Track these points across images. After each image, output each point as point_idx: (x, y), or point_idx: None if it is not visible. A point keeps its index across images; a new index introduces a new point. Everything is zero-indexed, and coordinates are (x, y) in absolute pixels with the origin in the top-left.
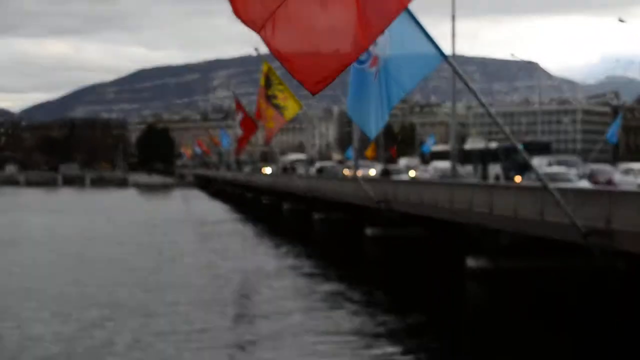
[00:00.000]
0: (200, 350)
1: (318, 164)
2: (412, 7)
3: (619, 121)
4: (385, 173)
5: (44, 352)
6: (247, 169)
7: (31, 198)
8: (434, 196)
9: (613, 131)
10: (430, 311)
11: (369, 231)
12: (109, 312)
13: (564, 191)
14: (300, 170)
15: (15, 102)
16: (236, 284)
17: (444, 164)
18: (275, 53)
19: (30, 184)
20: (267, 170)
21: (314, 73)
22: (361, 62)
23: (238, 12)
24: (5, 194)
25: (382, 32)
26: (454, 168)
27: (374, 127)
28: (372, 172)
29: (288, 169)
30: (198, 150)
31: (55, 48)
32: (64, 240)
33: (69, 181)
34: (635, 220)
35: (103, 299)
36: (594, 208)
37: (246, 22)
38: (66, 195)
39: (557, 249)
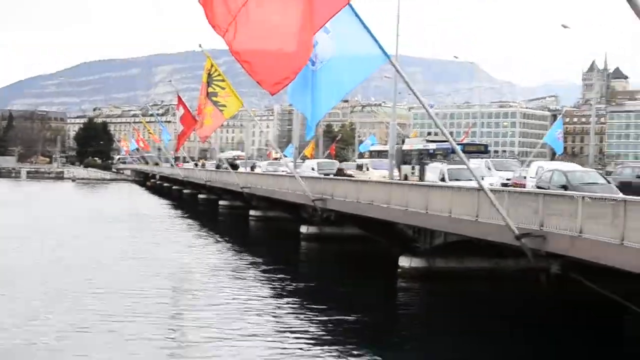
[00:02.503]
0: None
1: (252, 163)
2: (357, 7)
3: (559, 125)
4: (339, 173)
5: None
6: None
7: None
8: (371, 195)
9: (552, 135)
10: (360, 311)
11: (304, 229)
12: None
13: (499, 193)
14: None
15: None
16: (167, 280)
17: (312, 163)
18: (235, 55)
19: None
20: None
21: (273, 74)
22: (310, 61)
23: (208, 18)
24: None
25: (319, 28)
26: (392, 168)
27: (314, 119)
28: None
29: (220, 166)
30: (136, 145)
31: None
32: None
33: (5, 174)
34: (566, 223)
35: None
36: (528, 210)
37: (214, 27)
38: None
39: (491, 250)
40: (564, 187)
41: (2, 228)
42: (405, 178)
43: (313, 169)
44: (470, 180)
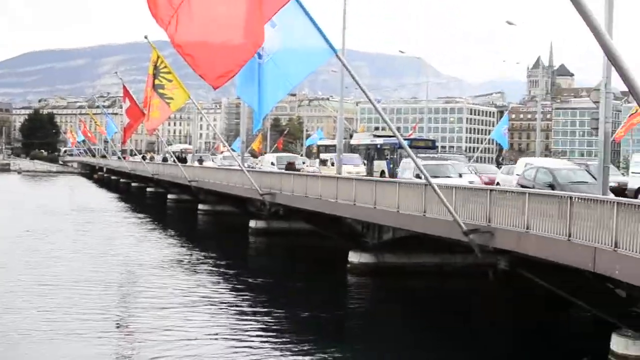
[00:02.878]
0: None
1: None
2: (304, 1)
3: (505, 121)
4: (289, 167)
5: None
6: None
7: None
8: (319, 190)
9: (498, 131)
10: (309, 306)
11: (253, 224)
12: None
13: (448, 189)
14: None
15: None
16: (116, 274)
17: (271, 157)
18: (177, 48)
19: None
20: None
21: (215, 67)
22: (257, 54)
23: (151, 11)
24: None
25: (265, 23)
26: (340, 163)
27: (261, 112)
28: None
29: (167, 160)
30: (83, 137)
31: None
32: None
33: None
34: (514, 219)
35: None
36: (476, 206)
37: (157, 19)
38: None
39: (441, 246)
40: (551, 187)
41: None
42: (382, 174)
43: (273, 164)
44: (450, 177)
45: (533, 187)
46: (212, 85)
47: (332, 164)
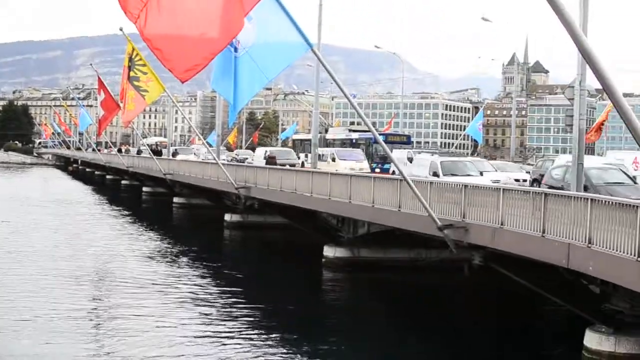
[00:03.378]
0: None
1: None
2: None
3: (480, 117)
4: (270, 161)
5: None
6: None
7: None
8: (294, 184)
9: (473, 127)
10: (285, 301)
11: (228, 217)
12: None
13: (422, 184)
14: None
15: None
16: (93, 268)
17: (262, 151)
18: (147, 42)
19: None
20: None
21: (184, 60)
22: (232, 46)
23: (120, 4)
24: None
25: (246, 15)
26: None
27: (237, 106)
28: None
29: (142, 152)
30: (58, 129)
31: None
32: None
33: None
34: (489, 215)
35: None
36: (451, 202)
37: (126, 13)
38: None
39: (416, 240)
40: (584, 188)
41: None
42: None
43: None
44: (470, 175)
45: (561, 188)
46: (180, 78)
47: (333, 160)
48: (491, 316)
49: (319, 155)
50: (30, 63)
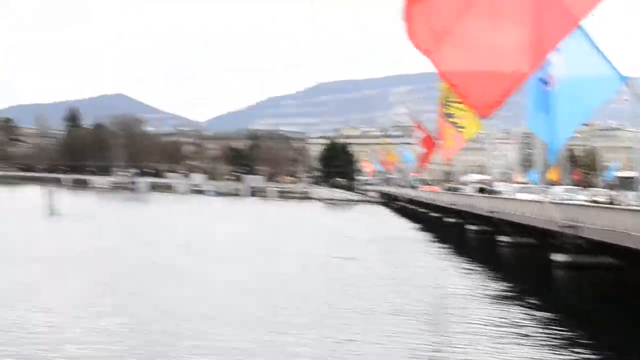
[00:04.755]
0: None
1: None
2: (587, 26)
3: None
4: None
5: None
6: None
7: (246, 208)
8: (626, 223)
9: None
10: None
11: (555, 257)
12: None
13: None
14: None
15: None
16: (425, 304)
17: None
18: (442, 77)
19: (219, 194)
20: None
21: (484, 96)
22: (542, 81)
23: (409, 35)
24: (205, 202)
25: (553, 49)
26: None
27: (555, 144)
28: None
29: (485, 190)
30: (381, 167)
31: None
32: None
33: (255, 193)
34: None
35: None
36: None
37: (415, 45)
38: (261, 206)
39: None
40: None
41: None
42: None
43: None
44: None
45: None
46: (481, 115)
47: None
48: None
49: None
50: (349, 101)
